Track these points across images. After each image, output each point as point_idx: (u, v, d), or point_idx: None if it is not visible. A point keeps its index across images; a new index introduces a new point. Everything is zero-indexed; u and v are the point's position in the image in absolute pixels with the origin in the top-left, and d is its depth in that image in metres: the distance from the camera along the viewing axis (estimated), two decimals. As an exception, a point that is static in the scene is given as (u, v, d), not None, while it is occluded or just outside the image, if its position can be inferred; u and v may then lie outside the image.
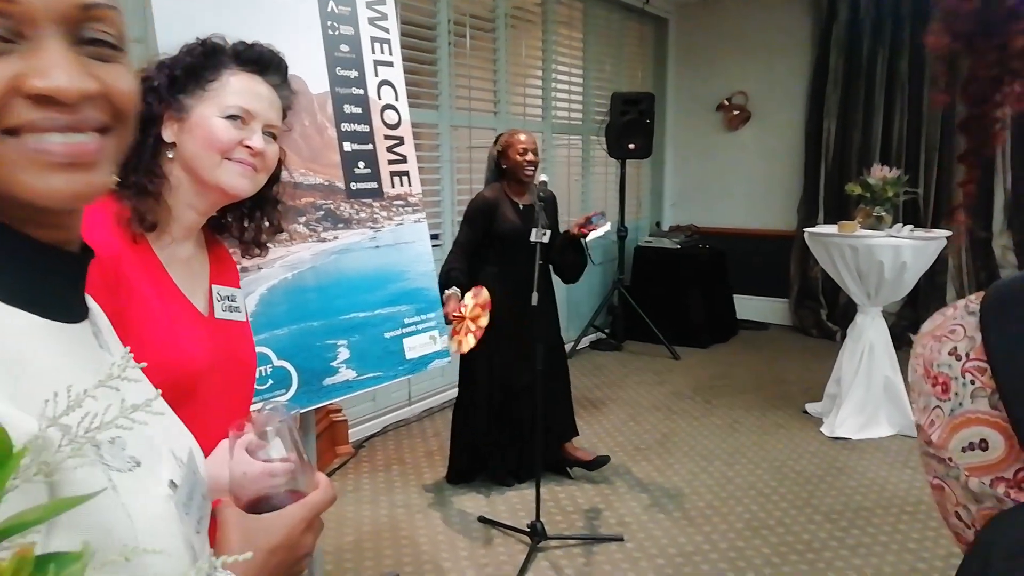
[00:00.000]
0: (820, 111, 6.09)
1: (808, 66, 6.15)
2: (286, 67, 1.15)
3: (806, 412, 4.26)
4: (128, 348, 0.51)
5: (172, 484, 0.59)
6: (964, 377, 0.49)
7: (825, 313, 6.13)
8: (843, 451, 3.76)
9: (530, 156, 3.17)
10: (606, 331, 5.93)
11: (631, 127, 5.37)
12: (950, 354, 0.51)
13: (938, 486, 0.52)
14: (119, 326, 0.91)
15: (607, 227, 3.20)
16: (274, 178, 1.17)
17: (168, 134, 1.07)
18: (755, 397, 4.59)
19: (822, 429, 4.00)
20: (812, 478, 3.46)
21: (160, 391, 0.57)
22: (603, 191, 5.96)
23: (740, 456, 3.71)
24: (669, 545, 2.86)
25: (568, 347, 4.16)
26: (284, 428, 0.74)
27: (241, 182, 1.07)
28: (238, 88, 1.08)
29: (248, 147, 1.06)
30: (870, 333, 4.02)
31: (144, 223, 1.02)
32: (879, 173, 4.08)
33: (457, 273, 3.12)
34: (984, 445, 0.47)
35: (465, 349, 2.81)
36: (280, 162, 1.16)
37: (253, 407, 1.15)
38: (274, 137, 1.11)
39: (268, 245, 1.25)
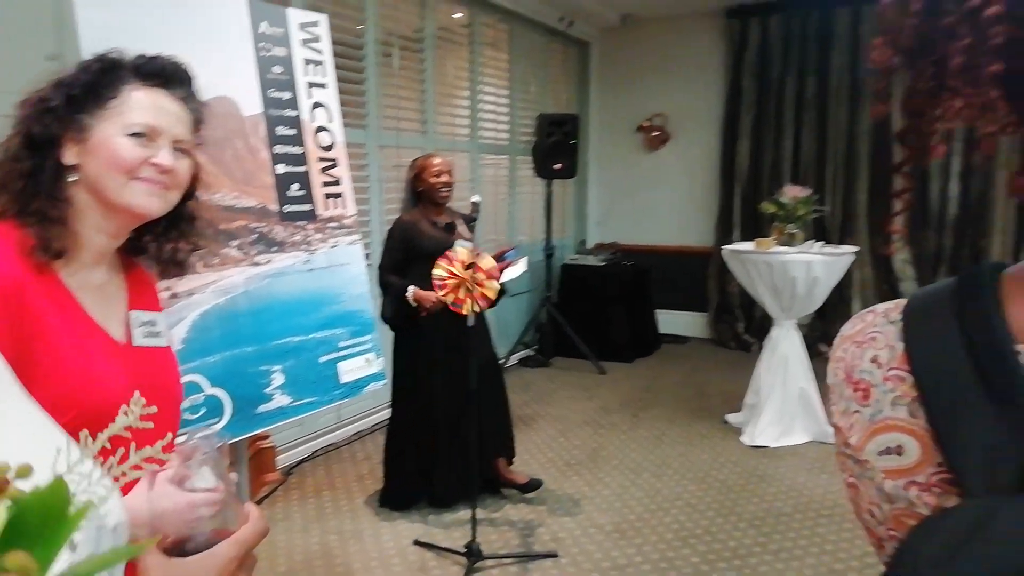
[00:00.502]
0: (734, 132, 6.37)
1: (722, 89, 6.43)
2: (192, 78, 1.11)
3: (727, 422, 4.41)
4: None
5: (71, 544, 0.55)
6: (885, 385, 0.51)
7: (742, 326, 6.37)
8: (763, 459, 3.92)
9: (444, 178, 3.23)
10: (534, 348, 5.99)
11: (557, 148, 5.48)
12: (872, 361, 0.53)
13: (853, 485, 0.54)
14: (25, 360, 0.87)
15: (522, 267, 3.20)
16: (189, 194, 1.13)
17: (69, 156, 1.01)
18: (678, 409, 4.73)
19: (742, 438, 4.16)
20: (735, 486, 3.59)
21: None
22: (530, 210, 6.05)
23: (667, 467, 3.82)
24: (602, 559, 2.91)
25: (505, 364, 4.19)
26: (211, 458, 0.71)
27: (150, 201, 1.03)
28: (141, 104, 1.03)
29: (155, 164, 1.02)
30: (785, 345, 4.22)
31: (49, 251, 0.96)
32: (791, 192, 4.30)
33: (396, 278, 3.14)
34: (900, 450, 0.50)
35: (493, 295, 2.84)
36: (195, 177, 1.12)
37: (180, 437, 1.12)
38: (186, 152, 1.07)
39: (187, 265, 1.20)
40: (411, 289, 3.11)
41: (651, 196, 6.82)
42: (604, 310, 5.94)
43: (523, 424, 4.41)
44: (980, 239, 5.62)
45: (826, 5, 5.87)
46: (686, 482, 3.64)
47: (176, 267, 1.17)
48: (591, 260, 6.24)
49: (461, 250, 2.82)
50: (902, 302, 0.54)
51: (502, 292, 3.28)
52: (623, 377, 5.49)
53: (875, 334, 0.54)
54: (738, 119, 6.34)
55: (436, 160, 3.27)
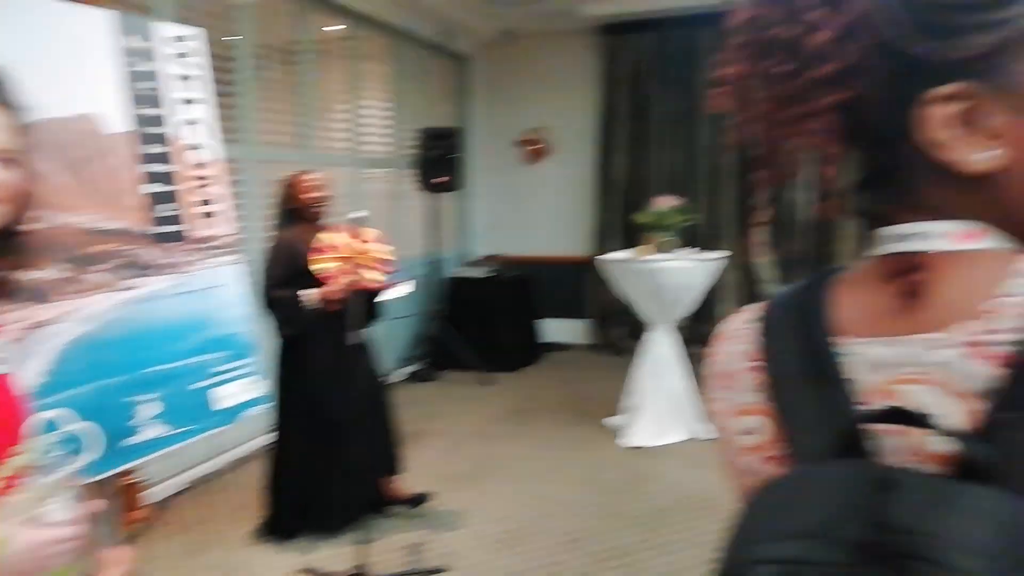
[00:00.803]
0: (610, 146, 6.63)
1: (599, 104, 6.67)
2: (7, 80, 1.03)
3: (608, 425, 4.57)
4: None
5: None
6: (746, 374, 0.61)
7: (621, 332, 6.62)
8: (643, 459, 4.09)
9: (318, 193, 3.18)
10: (423, 362, 5.97)
11: (440, 161, 5.51)
12: (737, 354, 0.62)
13: (728, 463, 0.64)
14: None
15: (406, 288, 3.18)
16: (22, 207, 1.03)
17: None
18: (563, 415, 4.85)
19: (624, 440, 4.32)
20: (618, 487, 3.73)
21: None
22: (415, 224, 6.03)
23: (553, 473, 3.91)
24: (493, 569, 2.95)
25: (391, 380, 4.15)
26: (69, 493, 0.69)
27: None
28: None
29: None
30: (661, 348, 4.43)
31: None
32: (663, 203, 4.53)
33: (284, 292, 3.03)
34: (756, 430, 0.59)
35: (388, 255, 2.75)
36: (25, 189, 1.03)
37: (40, 473, 1.06)
38: (11, 162, 0.99)
39: (22, 286, 1.10)
40: (309, 292, 3.00)
41: (533, 208, 6.97)
42: (490, 321, 6.01)
43: (411, 440, 4.37)
44: (831, 244, 6.12)
45: (689, 25, 6.23)
46: (572, 486, 3.74)
47: (8, 289, 1.09)
48: (476, 272, 6.31)
49: (329, 236, 2.78)
50: (765, 303, 0.64)
51: (376, 313, 3.25)
52: (510, 387, 5.57)
53: (741, 331, 0.63)
54: (614, 133, 6.61)
55: (308, 176, 3.21)
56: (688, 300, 4.42)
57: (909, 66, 0.51)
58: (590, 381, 5.68)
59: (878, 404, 0.50)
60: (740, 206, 6.31)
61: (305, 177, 3.21)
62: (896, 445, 0.50)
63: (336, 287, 2.91)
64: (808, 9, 0.52)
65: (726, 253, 4.68)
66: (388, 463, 3.39)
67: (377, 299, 3.17)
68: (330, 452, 3.18)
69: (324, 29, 5.06)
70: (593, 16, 6.27)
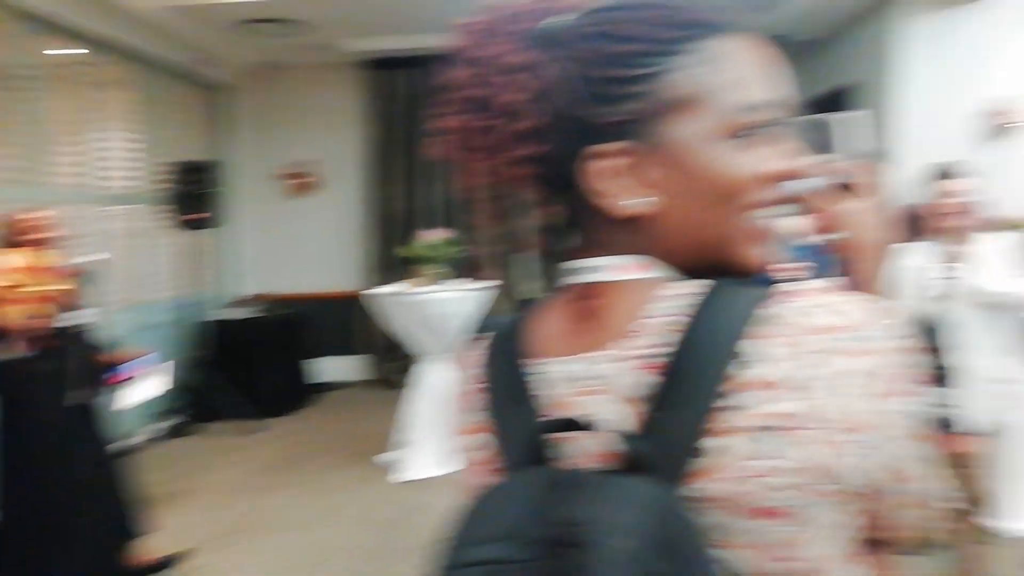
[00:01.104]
0: (380, 179, 6.65)
1: (367, 137, 6.67)
2: None
3: (380, 462, 4.51)
4: None
5: None
6: (475, 396, 0.67)
7: (395, 366, 6.60)
8: (416, 492, 4.09)
9: (44, 234, 2.87)
10: (182, 414, 5.50)
11: (196, 196, 5.17)
12: (469, 378, 0.69)
13: (465, 478, 0.70)
14: None
15: (160, 384, 2.86)
16: None
17: None
18: (334, 457, 4.73)
19: (397, 475, 4.29)
20: (393, 523, 3.70)
21: None
22: (168, 264, 5.59)
23: (327, 517, 3.79)
24: (261, 627, 2.79)
25: (138, 439, 3.79)
26: None
27: None
28: None
29: None
30: (435, 379, 4.48)
31: None
32: (430, 236, 4.63)
33: None
34: (483, 446, 0.66)
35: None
36: None
37: None
38: None
39: None
40: None
41: (302, 243, 6.78)
42: (258, 364, 5.70)
43: (169, 500, 4.00)
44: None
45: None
46: (345, 529, 3.65)
47: None
48: (242, 313, 5.97)
49: None
50: (495, 331, 0.71)
51: (101, 373, 2.96)
52: (280, 433, 5.32)
53: (474, 357, 0.70)
54: (384, 166, 6.63)
55: (31, 215, 2.87)
56: (457, 329, 4.53)
57: (581, 126, 0.60)
58: (364, 419, 5.60)
59: (557, 415, 0.58)
60: (510, 237, 6.62)
61: (27, 216, 2.87)
62: (574, 450, 0.59)
63: (21, 326, 2.61)
64: (508, 73, 0.61)
65: (496, 282, 4.87)
66: (126, 529, 3.06)
67: (123, 403, 2.89)
68: (58, 526, 2.81)
69: (53, 52, 4.58)
70: (356, 51, 6.28)
